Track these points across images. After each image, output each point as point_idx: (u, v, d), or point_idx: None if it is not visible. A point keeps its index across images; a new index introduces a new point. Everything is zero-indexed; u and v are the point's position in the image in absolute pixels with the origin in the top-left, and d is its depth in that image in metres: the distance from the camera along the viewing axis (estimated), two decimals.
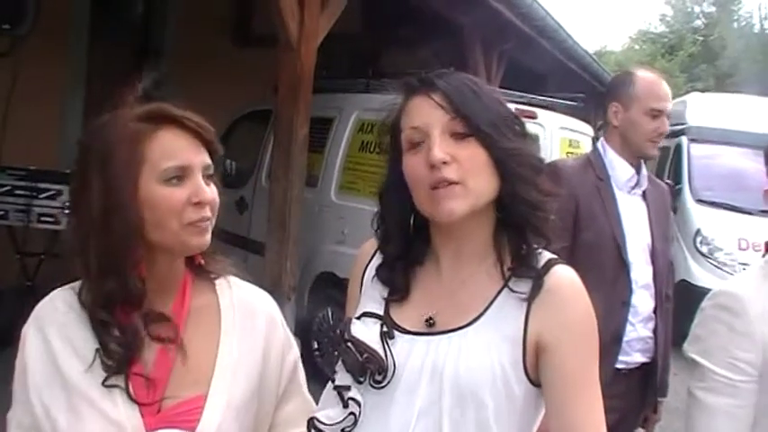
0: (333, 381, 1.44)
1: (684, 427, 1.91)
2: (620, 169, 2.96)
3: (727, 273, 8.18)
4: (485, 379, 1.35)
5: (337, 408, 1.41)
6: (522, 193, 1.41)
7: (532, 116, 5.65)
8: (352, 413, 1.39)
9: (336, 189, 6.17)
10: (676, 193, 9.04)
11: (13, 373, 1.47)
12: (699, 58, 34.10)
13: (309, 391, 1.67)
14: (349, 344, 1.42)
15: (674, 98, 3.06)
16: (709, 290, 1.98)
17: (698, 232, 8.93)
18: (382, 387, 1.39)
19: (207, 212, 1.45)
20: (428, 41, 8.93)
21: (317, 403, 1.53)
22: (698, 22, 37.07)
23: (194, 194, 1.43)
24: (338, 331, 1.46)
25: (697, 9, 37.63)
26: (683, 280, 8.47)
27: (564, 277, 1.41)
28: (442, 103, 1.40)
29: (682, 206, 9.27)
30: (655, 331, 2.95)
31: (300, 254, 5.69)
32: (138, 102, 1.48)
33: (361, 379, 1.40)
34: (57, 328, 1.44)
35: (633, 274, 2.87)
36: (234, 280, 1.63)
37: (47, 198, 5.80)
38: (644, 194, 3.01)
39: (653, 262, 2.95)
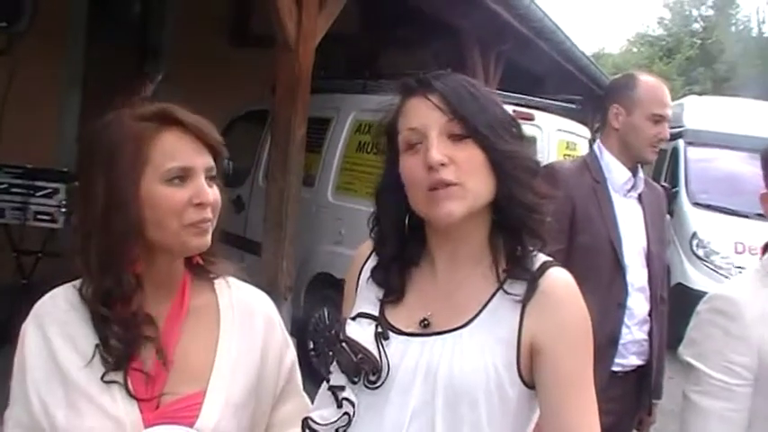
0: (327, 381, 1.45)
1: (679, 430, 1.91)
2: (616, 172, 2.96)
3: (724, 276, 8.18)
4: (478, 380, 1.35)
5: (331, 408, 1.42)
6: (519, 196, 1.41)
7: (530, 118, 5.66)
8: (346, 413, 1.40)
9: (333, 189, 6.17)
10: (673, 197, 9.05)
11: (9, 372, 1.47)
12: (696, 61, 34.15)
13: (305, 390, 1.68)
14: (343, 344, 1.42)
15: (671, 101, 3.05)
16: (705, 293, 1.98)
17: (694, 235, 8.94)
18: (376, 387, 1.39)
19: (208, 214, 1.46)
20: (426, 42, 8.93)
21: (313, 403, 1.53)
22: (696, 26, 37.13)
23: (196, 196, 1.44)
24: (333, 332, 1.46)
25: (695, 12, 37.70)
26: (680, 283, 8.48)
27: (559, 279, 1.41)
28: (439, 104, 1.40)
29: (678, 209, 9.29)
30: (650, 334, 2.95)
31: (297, 254, 5.68)
32: (143, 101, 1.49)
33: (356, 379, 1.40)
34: (57, 325, 1.45)
35: (629, 277, 2.87)
36: (232, 280, 1.64)
37: (43, 196, 5.80)
38: (640, 197, 3.00)
39: (648, 265, 2.95)
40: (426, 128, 1.40)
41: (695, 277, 8.61)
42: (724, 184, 9.29)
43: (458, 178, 1.37)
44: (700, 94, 18.07)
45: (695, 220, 9.15)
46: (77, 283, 1.49)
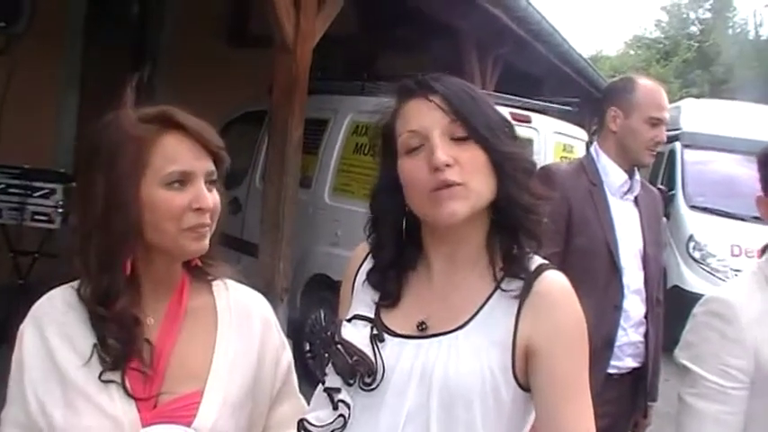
0: (323, 383, 1.45)
1: None
2: (613, 174, 2.96)
3: (720, 279, 8.20)
4: (474, 383, 1.35)
5: (327, 409, 1.41)
6: (516, 196, 1.41)
7: (526, 120, 5.66)
8: (341, 415, 1.40)
9: (330, 191, 6.17)
10: (669, 199, 9.05)
11: (6, 373, 1.47)
12: (693, 63, 34.20)
13: (301, 392, 1.68)
14: (339, 346, 1.42)
15: (668, 104, 3.06)
16: (701, 296, 1.98)
17: (691, 238, 8.95)
18: (372, 389, 1.39)
19: (206, 219, 1.46)
20: (424, 44, 8.93)
21: (309, 405, 1.53)
22: (693, 29, 37.20)
23: (195, 200, 1.44)
24: (329, 333, 1.46)
25: (692, 15, 37.78)
26: (676, 286, 8.49)
27: (555, 282, 1.41)
28: (441, 105, 1.40)
29: (675, 212, 9.30)
30: (646, 336, 2.95)
31: (294, 255, 5.68)
32: (139, 102, 1.49)
33: (351, 381, 1.40)
34: (55, 325, 1.46)
35: (625, 279, 2.87)
36: (230, 282, 1.64)
37: (41, 197, 5.80)
38: (636, 200, 3.01)
39: (644, 267, 2.95)
40: (428, 129, 1.40)
41: (691, 280, 8.62)
42: (721, 186, 9.30)
43: (462, 179, 1.37)
44: (697, 96, 18.10)
45: (692, 222, 9.16)
46: (75, 283, 1.49)
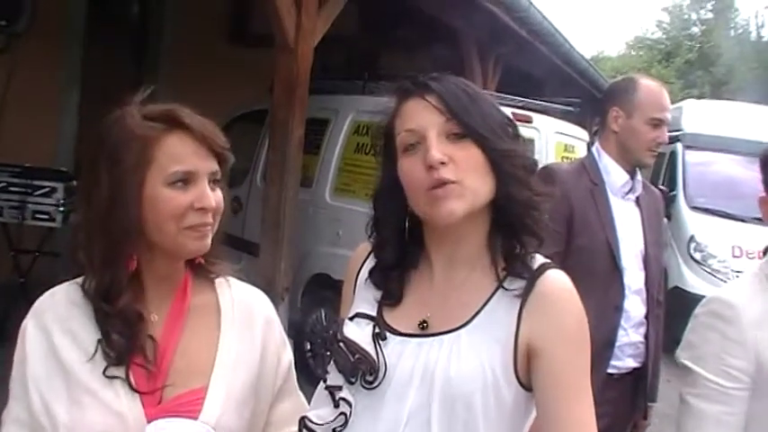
0: (325, 381, 1.45)
1: None
2: (614, 174, 2.96)
3: (721, 280, 8.20)
4: (475, 382, 1.35)
5: (328, 407, 1.42)
6: (516, 194, 1.41)
7: (528, 120, 5.66)
8: (342, 413, 1.40)
9: (331, 190, 6.17)
10: (671, 200, 9.05)
11: (7, 370, 1.47)
12: (695, 64, 34.18)
13: (302, 392, 1.69)
14: (341, 344, 1.43)
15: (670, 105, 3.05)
16: (702, 296, 1.98)
17: (692, 239, 8.95)
18: (373, 388, 1.39)
19: (208, 218, 1.47)
20: (425, 44, 8.94)
21: (309, 404, 1.53)
22: (694, 29, 37.14)
23: (198, 200, 1.45)
24: (331, 332, 1.47)
25: (694, 16, 37.72)
26: (677, 286, 8.49)
27: (557, 281, 1.41)
28: (437, 105, 1.41)
29: (676, 213, 9.29)
30: (646, 336, 2.95)
31: (294, 255, 5.68)
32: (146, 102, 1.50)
33: (353, 379, 1.41)
34: (58, 321, 1.46)
35: (626, 280, 2.87)
36: (233, 280, 1.65)
37: (41, 195, 5.80)
38: (637, 200, 3.01)
39: (645, 267, 2.95)
40: (424, 128, 1.40)
41: (692, 281, 8.61)
42: (722, 187, 9.30)
43: (458, 177, 1.37)
44: (698, 97, 18.12)
45: (693, 223, 9.15)
46: (79, 279, 1.49)
